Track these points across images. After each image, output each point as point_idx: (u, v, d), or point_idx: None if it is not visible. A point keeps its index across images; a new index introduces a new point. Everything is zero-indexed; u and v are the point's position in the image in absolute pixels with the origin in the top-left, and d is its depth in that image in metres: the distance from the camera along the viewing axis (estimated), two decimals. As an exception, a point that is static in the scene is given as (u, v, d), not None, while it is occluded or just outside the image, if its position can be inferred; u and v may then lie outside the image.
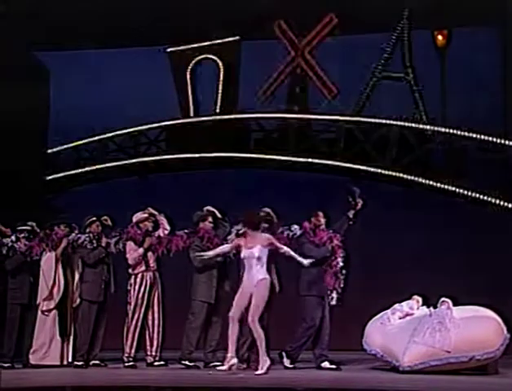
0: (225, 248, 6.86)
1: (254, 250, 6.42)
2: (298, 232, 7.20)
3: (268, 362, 6.44)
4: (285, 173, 10.67)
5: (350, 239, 7.24)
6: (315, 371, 6.99)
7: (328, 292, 6.98)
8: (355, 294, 7.41)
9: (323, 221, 7.21)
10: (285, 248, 6.66)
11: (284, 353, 7.17)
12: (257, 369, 6.56)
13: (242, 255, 6.53)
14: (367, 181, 9.79)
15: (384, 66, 10.81)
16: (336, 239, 7.09)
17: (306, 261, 6.64)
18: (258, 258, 6.40)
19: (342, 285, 6.98)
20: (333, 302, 7.00)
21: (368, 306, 7.68)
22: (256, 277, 6.41)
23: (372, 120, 10.47)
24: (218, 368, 6.62)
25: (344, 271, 7.00)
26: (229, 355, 6.51)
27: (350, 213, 7.23)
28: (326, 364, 7.08)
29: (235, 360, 6.50)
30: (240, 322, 6.46)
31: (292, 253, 6.65)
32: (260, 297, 6.34)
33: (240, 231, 7.16)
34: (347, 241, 7.16)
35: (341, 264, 7.00)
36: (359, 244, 7.76)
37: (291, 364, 7.15)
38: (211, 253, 6.86)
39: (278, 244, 6.62)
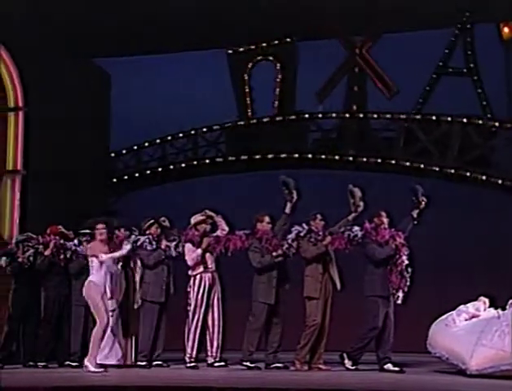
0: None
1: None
2: (359, 234, 7.11)
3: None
4: (344, 172, 10.56)
5: (415, 238, 7.09)
6: (377, 374, 6.87)
7: (394, 292, 6.87)
8: (418, 294, 7.24)
9: (385, 220, 7.09)
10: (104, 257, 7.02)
11: (345, 355, 7.08)
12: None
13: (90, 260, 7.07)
14: (429, 179, 9.58)
15: (445, 61, 10.56)
16: (399, 237, 6.96)
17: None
18: (101, 264, 6.93)
19: (407, 284, 6.84)
20: (399, 301, 6.88)
21: (433, 307, 7.49)
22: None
23: (434, 117, 10.26)
24: (88, 370, 6.86)
25: (409, 270, 6.87)
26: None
27: (414, 213, 7.10)
28: (389, 366, 6.95)
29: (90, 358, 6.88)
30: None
31: (115, 254, 7.08)
32: (87, 299, 6.97)
33: (301, 233, 7.15)
34: (412, 240, 7.02)
35: (406, 262, 6.87)
36: (422, 244, 7.59)
37: (353, 366, 7.05)
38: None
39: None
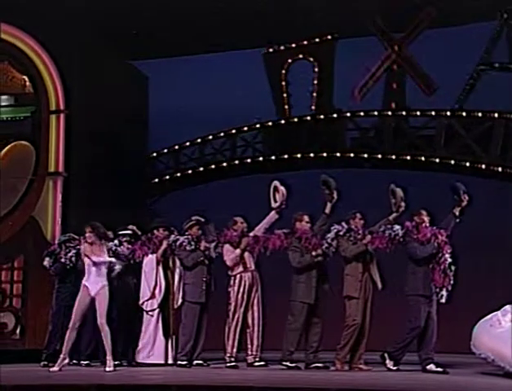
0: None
1: (94, 258, 6.99)
2: (400, 232, 7.03)
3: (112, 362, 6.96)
4: (383, 171, 10.45)
5: (458, 236, 6.98)
6: (419, 374, 6.76)
7: (437, 291, 6.77)
8: (462, 293, 7.11)
9: (426, 219, 7.01)
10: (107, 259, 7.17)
11: (386, 355, 7.00)
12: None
13: (86, 263, 7.06)
14: (471, 177, 9.41)
15: (488, 56, 10.35)
16: (441, 234, 6.86)
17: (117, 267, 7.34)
18: (98, 267, 6.98)
19: (451, 282, 6.75)
20: (443, 300, 6.78)
21: (477, 306, 7.35)
22: (96, 284, 6.97)
23: (475, 113, 10.08)
24: (50, 369, 6.98)
25: (453, 268, 6.76)
26: (61, 356, 7.01)
27: (456, 211, 6.99)
28: (432, 367, 6.85)
29: (66, 360, 7.01)
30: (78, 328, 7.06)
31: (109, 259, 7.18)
32: (103, 304, 6.98)
33: (341, 232, 7.10)
34: (454, 238, 6.91)
35: (449, 260, 6.77)
36: (465, 242, 7.46)
37: (394, 366, 6.96)
38: None
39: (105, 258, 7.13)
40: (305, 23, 10.67)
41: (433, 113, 10.37)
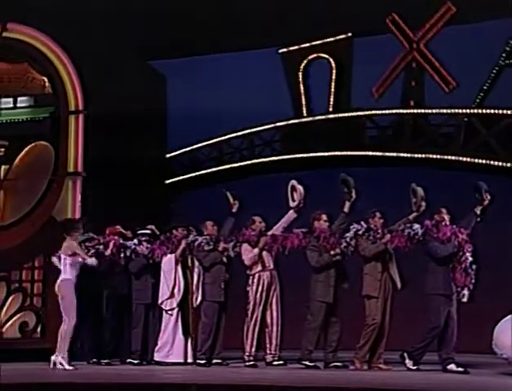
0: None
1: (59, 256, 7.28)
2: (420, 231, 6.98)
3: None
4: (402, 170, 10.38)
5: (478, 235, 6.91)
6: (440, 374, 6.71)
7: (459, 290, 6.73)
8: (482, 292, 7.05)
9: (446, 217, 6.95)
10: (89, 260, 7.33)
11: (406, 354, 6.95)
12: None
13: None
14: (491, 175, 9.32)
15: (508, 53, 10.24)
16: (461, 233, 6.81)
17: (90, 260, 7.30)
18: (62, 263, 7.20)
19: (473, 281, 6.69)
20: (465, 299, 6.74)
21: (498, 305, 7.28)
22: (59, 279, 7.21)
23: (495, 111, 9.96)
24: (58, 368, 7.07)
25: (474, 266, 6.71)
26: (57, 352, 7.14)
27: (478, 209, 6.94)
28: (452, 367, 6.79)
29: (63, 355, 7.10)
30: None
31: (86, 258, 7.29)
32: (59, 298, 7.11)
33: (360, 231, 7.07)
34: (475, 237, 6.85)
35: (470, 259, 6.72)
36: (486, 241, 7.38)
37: (414, 366, 6.91)
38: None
39: (82, 254, 7.31)
40: (322, 21, 10.63)
41: (461, 111, 10.23)
